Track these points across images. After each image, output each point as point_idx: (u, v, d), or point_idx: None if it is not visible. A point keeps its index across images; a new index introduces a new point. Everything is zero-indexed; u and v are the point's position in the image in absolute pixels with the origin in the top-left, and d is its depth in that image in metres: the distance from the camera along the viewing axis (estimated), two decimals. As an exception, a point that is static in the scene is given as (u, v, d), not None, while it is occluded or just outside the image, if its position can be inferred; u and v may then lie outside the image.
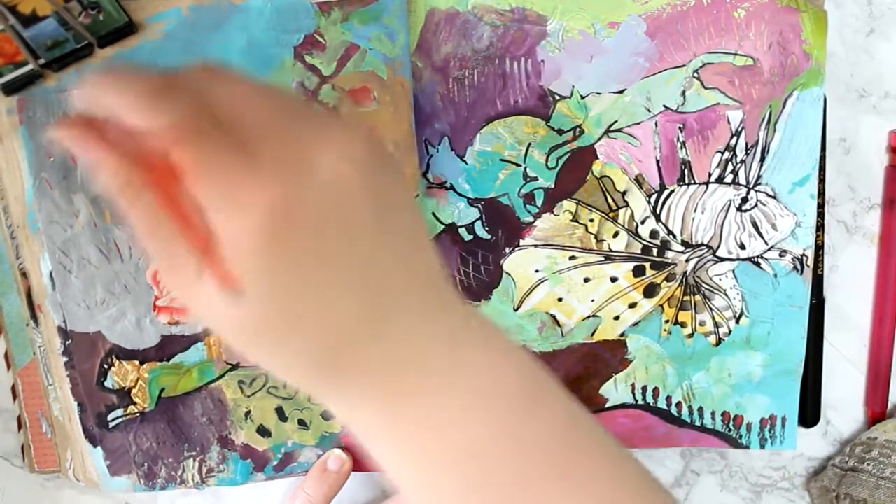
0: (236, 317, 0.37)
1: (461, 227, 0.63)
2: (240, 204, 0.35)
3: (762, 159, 0.62)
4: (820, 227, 0.64)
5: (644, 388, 0.65)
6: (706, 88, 0.61)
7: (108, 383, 0.63)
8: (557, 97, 0.61)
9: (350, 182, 0.37)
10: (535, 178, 0.62)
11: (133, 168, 0.37)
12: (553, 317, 0.64)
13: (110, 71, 0.37)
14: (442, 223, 0.63)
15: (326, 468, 0.65)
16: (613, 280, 0.63)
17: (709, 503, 0.69)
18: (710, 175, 0.62)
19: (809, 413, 0.67)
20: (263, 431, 0.64)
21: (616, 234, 0.63)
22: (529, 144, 0.62)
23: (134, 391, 0.63)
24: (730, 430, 0.66)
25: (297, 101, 0.41)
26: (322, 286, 0.37)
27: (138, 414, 0.63)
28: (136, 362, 0.62)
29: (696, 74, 0.61)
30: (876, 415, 0.68)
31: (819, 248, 0.64)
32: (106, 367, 0.62)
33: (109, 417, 0.63)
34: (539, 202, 0.62)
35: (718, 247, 0.63)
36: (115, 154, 0.37)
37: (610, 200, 0.62)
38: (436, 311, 0.40)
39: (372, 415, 0.40)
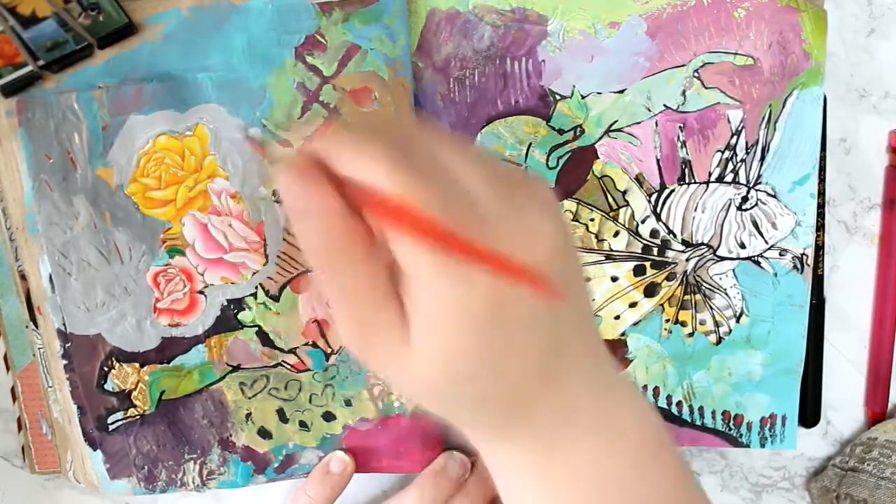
0: (431, 379, 0.38)
1: (462, 227, 0.63)
2: (466, 284, 0.36)
3: (762, 158, 0.62)
4: (820, 227, 0.64)
5: (644, 388, 0.65)
6: (706, 88, 0.61)
7: (108, 386, 0.63)
8: (558, 97, 0.61)
9: (560, 246, 0.38)
10: (536, 178, 0.62)
11: (351, 223, 0.37)
12: (554, 316, 0.64)
13: (354, 134, 0.38)
14: (443, 223, 0.63)
15: (329, 470, 0.65)
16: (614, 279, 0.63)
17: (709, 503, 0.69)
18: (710, 174, 0.62)
19: (809, 413, 0.67)
20: (264, 433, 0.64)
21: (616, 234, 0.63)
22: (530, 144, 0.62)
23: (134, 394, 0.63)
24: (730, 429, 0.66)
25: (510, 169, 0.43)
26: (516, 352, 0.38)
27: (138, 416, 0.63)
28: (137, 365, 0.62)
29: (696, 74, 0.61)
30: (876, 415, 0.68)
31: (819, 248, 0.64)
32: (106, 369, 0.62)
33: (109, 420, 0.63)
34: (540, 202, 0.63)
35: (719, 246, 0.63)
36: (341, 206, 0.37)
37: (610, 200, 0.62)
38: (594, 365, 0.43)
39: (527, 461, 0.42)
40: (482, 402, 0.40)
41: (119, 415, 0.63)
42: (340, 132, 0.38)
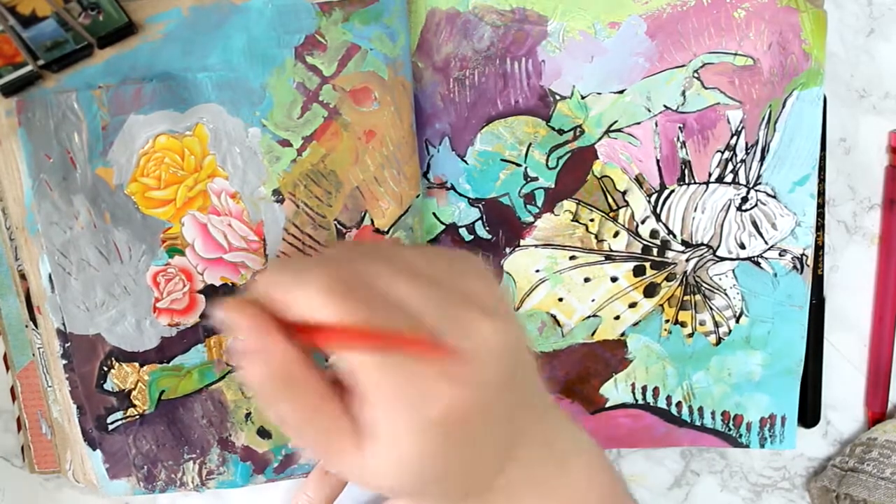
0: (390, 485, 0.41)
1: (462, 227, 0.63)
2: (426, 400, 0.38)
3: (762, 159, 0.62)
4: (820, 227, 0.64)
5: (644, 388, 0.65)
6: (706, 88, 0.61)
7: (107, 386, 0.62)
8: (558, 97, 0.61)
9: (506, 347, 0.40)
10: (536, 178, 0.62)
11: (296, 357, 0.40)
12: (553, 317, 0.64)
13: (286, 268, 0.41)
14: (442, 223, 0.63)
15: (328, 471, 0.65)
16: (614, 280, 0.63)
17: (709, 503, 0.69)
18: (710, 175, 0.62)
19: (809, 413, 0.67)
20: (264, 433, 0.64)
21: (616, 234, 0.63)
22: (530, 144, 0.62)
23: (134, 393, 0.63)
24: (730, 430, 0.66)
25: (436, 259, 0.44)
26: (478, 451, 0.41)
27: (138, 416, 0.63)
28: (136, 364, 0.62)
29: (696, 74, 0.61)
30: (876, 415, 0.68)
31: (819, 248, 0.64)
32: (105, 369, 0.62)
33: (109, 420, 0.63)
34: (539, 202, 0.63)
35: (718, 246, 0.63)
36: (285, 345, 0.40)
37: (610, 200, 0.62)
38: (549, 432, 0.45)
39: None
40: (441, 497, 0.43)
41: (118, 414, 0.63)
42: (273, 276, 0.40)
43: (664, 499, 0.69)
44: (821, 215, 0.64)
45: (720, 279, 0.63)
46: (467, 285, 0.41)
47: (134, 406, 0.63)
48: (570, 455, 0.46)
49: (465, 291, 0.41)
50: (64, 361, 0.62)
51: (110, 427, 0.63)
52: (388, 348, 0.38)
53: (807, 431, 0.68)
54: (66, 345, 0.62)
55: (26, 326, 0.63)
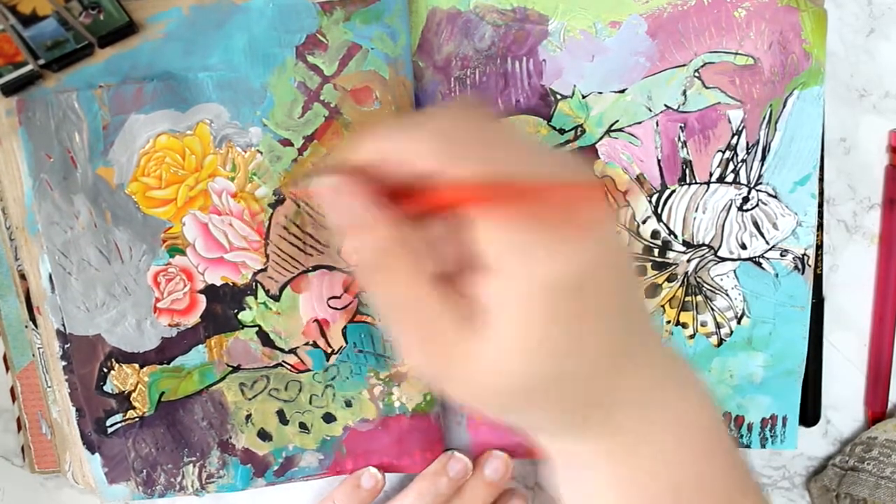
0: (508, 377, 0.37)
1: (463, 227, 0.63)
2: (536, 265, 0.36)
3: (763, 158, 0.62)
4: (820, 226, 0.64)
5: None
6: (707, 88, 0.61)
7: (107, 387, 0.62)
8: (559, 96, 0.62)
9: (614, 229, 0.39)
10: (537, 178, 0.62)
11: (400, 232, 0.37)
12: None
13: (394, 125, 0.38)
14: (444, 223, 0.63)
15: (360, 484, 0.64)
16: (616, 280, 0.63)
17: None
18: (711, 175, 0.62)
19: (809, 413, 0.67)
20: (264, 435, 0.64)
21: (617, 234, 0.63)
22: (531, 144, 0.62)
23: (133, 395, 0.63)
24: (731, 431, 0.66)
25: (560, 154, 0.43)
26: (592, 338, 0.38)
27: (137, 419, 0.63)
28: (136, 365, 0.62)
29: (696, 74, 0.61)
30: (876, 414, 0.68)
31: (819, 247, 0.64)
32: (105, 370, 0.62)
33: (108, 423, 0.63)
34: (541, 201, 0.62)
35: (720, 247, 0.63)
36: (387, 217, 0.37)
37: (611, 200, 0.62)
38: (657, 347, 0.43)
39: (608, 458, 0.42)
40: (561, 402, 0.39)
41: (118, 417, 0.63)
42: (382, 133, 0.37)
43: (665, 500, 0.69)
44: (820, 215, 0.64)
45: (721, 280, 0.63)
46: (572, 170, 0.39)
47: (134, 408, 0.63)
48: (680, 376, 0.43)
49: (571, 170, 0.39)
50: (63, 363, 0.62)
51: (109, 430, 0.63)
52: (517, 200, 0.35)
53: (807, 431, 0.68)
54: (66, 346, 0.61)
55: (26, 327, 0.63)
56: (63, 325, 0.61)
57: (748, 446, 0.66)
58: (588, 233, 0.36)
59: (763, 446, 0.66)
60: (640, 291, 0.41)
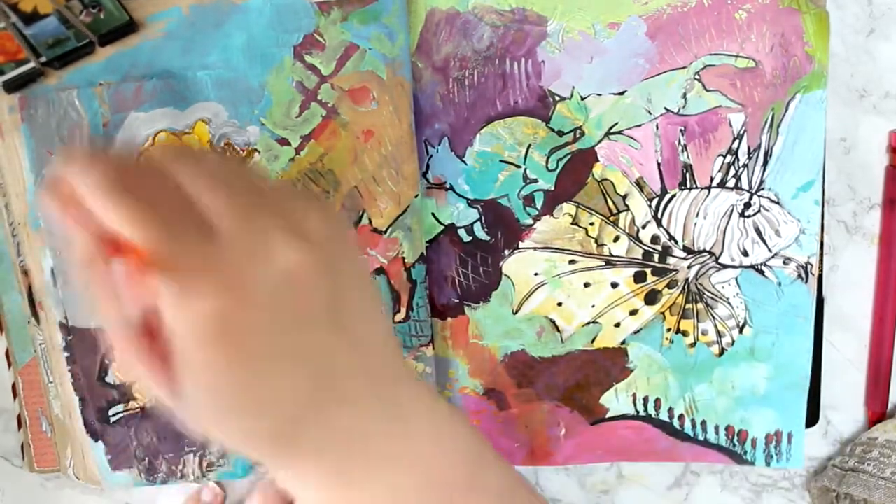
0: (200, 415, 0.38)
1: (460, 228, 0.63)
2: (191, 299, 0.36)
3: (765, 163, 0.61)
4: (820, 227, 0.63)
5: (645, 399, 0.65)
6: (707, 91, 0.61)
7: (109, 378, 0.63)
8: (557, 98, 0.61)
9: (302, 269, 0.38)
10: (535, 180, 0.62)
11: (98, 246, 0.37)
12: (552, 321, 0.64)
13: (77, 152, 0.38)
14: (441, 224, 0.63)
15: (200, 500, 0.67)
16: (614, 286, 0.63)
17: (709, 503, 0.69)
18: (711, 179, 0.62)
19: (809, 413, 0.67)
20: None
21: (617, 239, 0.62)
22: (529, 146, 0.62)
23: (135, 386, 0.63)
24: (734, 446, 0.65)
25: (258, 179, 0.41)
26: (271, 374, 0.38)
27: (139, 409, 0.64)
28: (137, 359, 0.63)
29: (697, 76, 0.60)
30: (876, 415, 0.68)
31: (819, 248, 0.64)
32: (107, 362, 0.63)
33: (111, 412, 0.64)
34: (539, 204, 0.62)
35: (721, 253, 0.62)
36: (85, 232, 0.37)
37: (610, 204, 0.62)
38: (385, 386, 0.42)
39: (320, 491, 0.41)
40: (241, 421, 0.39)
41: (120, 407, 0.64)
42: (68, 163, 0.37)
43: (664, 499, 0.69)
44: (821, 216, 0.64)
45: (723, 287, 0.63)
46: (282, 211, 0.39)
47: (135, 399, 0.64)
48: (410, 417, 0.42)
49: (279, 214, 0.39)
50: (66, 354, 0.63)
51: (112, 419, 0.64)
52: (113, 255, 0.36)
53: (807, 431, 0.67)
54: (69, 338, 0.62)
55: (28, 322, 0.63)
56: (65, 317, 0.62)
57: (752, 463, 0.66)
58: (209, 283, 0.36)
59: (768, 464, 0.65)
60: (356, 325, 0.40)
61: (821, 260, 0.64)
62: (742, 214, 0.62)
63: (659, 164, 0.62)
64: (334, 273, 0.39)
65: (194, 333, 0.36)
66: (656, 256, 0.63)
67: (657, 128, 0.61)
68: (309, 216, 0.39)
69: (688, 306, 0.63)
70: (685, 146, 0.61)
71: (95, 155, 0.38)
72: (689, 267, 0.63)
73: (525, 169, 0.62)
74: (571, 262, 0.63)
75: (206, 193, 0.38)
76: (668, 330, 0.64)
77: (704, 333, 0.64)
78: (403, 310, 0.62)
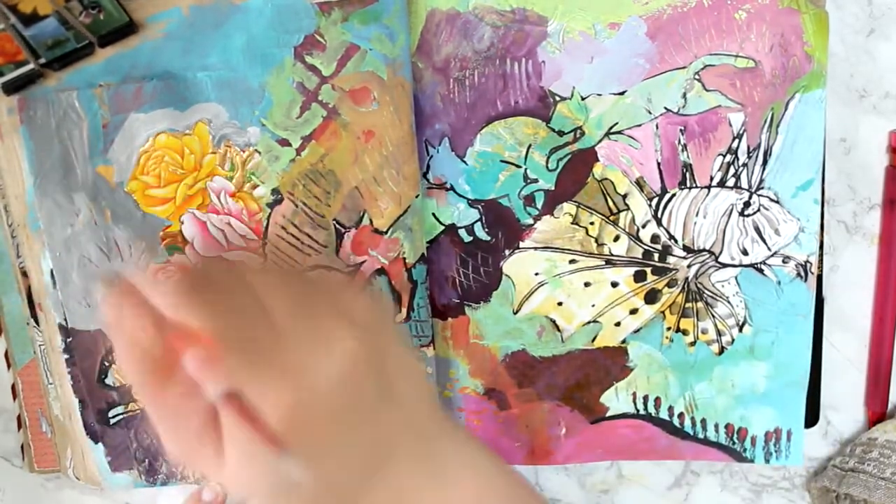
0: (260, 478, 0.41)
1: (461, 228, 0.63)
2: (268, 395, 0.39)
3: (764, 163, 0.61)
4: (820, 227, 0.63)
5: (645, 398, 0.65)
6: (707, 90, 0.61)
7: (108, 380, 0.63)
8: (558, 98, 0.61)
9: (357, 355, 0.41)
10: (536, 180, 0.62)
11: (160, 347, 0.40)
12: (553, 321, 0.64)
13: (141, 271, 0.43)
14: (442, 224, 0.63)
15: (201, 499, 0.66)
16: (614, 285, 0.63)
17: (709, 503, 0.69)
18: (711, 178, 0.62)
19: (809, 413, 0.67)
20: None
21: (617, 238, 0.62)
22: (530, 146, 0.62)
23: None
24: (734, 444, 0.65)
25: (314, 281, 0.47)
26: (334, 451, 0.42)
27: (139, 411, 0.64)
28: (137, 360, 0.63)
29: (697, 76, 0.61)
30: (876, 415, 0.68)
31: (819, 248, 0.64)
32: (106, 364, 0.63)
33: (110, 414, 0.64)
34: (539, 204, 0.62)
35: (721, 252, 0.63)
36: (149, 331, 0.40)
37: (611, 203, 0.62)
38: (430, 443, 0.46)
39: None
40: (306, 491, 0.42)
41: (120, 409, 0.64)
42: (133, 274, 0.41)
43: (664, 499, 0.69)
44: (821, 215, 0.64)
45: (722, 286, 0.63)
46: (334, 302, 0.44)
47: (135, 400, 0.64)
48: (452, 468, 0.47)
49: (331, 305, 0.43)
50: (66, 356, 0.63)
51: (112, 421, 0.64)
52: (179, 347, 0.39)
53: (807, 431, 0.67)
54: (68, 339, 0.62)
55: (27, 323, 0.63)
56: (65, 319, 0.62)
57: (751, 460, 0.66)
58: (282, 377, 0.40)
59: (767, 461, 0.65)
60: (402, 392, 0.45)
61: (821, 260, 0.64)
62: (742, 213, 0.62)
63: (659, 164, 0.62)
64: (382, 351, 0.44)
65: (277, 421, 0.39)
66: (656, 256, 0.63)
67: (657, 127, 0.61)
68: (357, 304, 0.44)
69: (688, 305, 0.63)
70: (685, 146, 0.61)
71: (166, 270, 0.42)
72: (688, 266, 0.63)
73: (525, 169, 0.62)
74: (572, 261, 0.63)
75: (269, 294, 0.42)
76: (668, 329, 0.64)
77: (704, 332, 0.64)
78: (404, 310, 0.62)
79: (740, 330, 0.64)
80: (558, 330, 0.64)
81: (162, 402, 0.40)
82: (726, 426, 0.65)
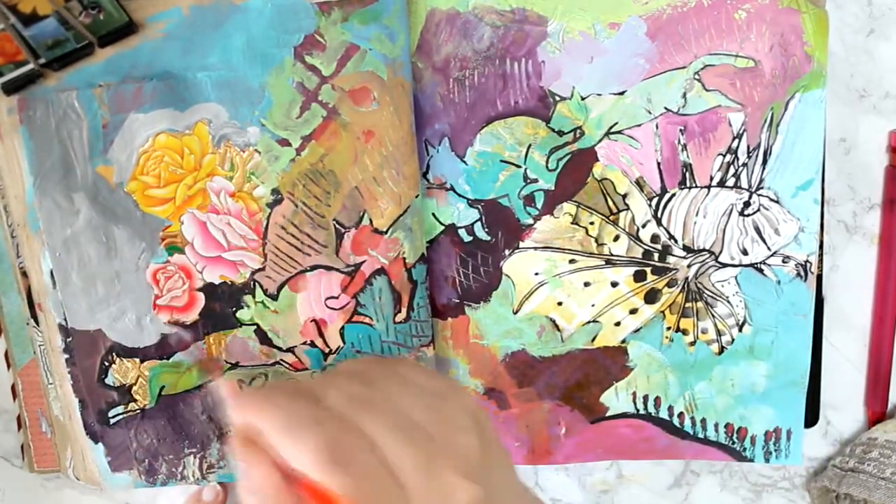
0: None
1: (461, 228, 0.63)
2: None
3: (764, 162, 0.61)
4: (820, 226, 0.63)
5: (645, 398, 0.65)
6: (707, 90, 0.61)
7: (108, 380, 0.63)
8: (558, 98, 0.61)
9: (476, 494, 0.44)
10: (536, 180, 0.62)
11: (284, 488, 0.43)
12: (553, 321, 0.64)
13: (253, 395, 0.45)
14: (442, 224, 0.63)
15: (201, 499, 0.67)
16: (614, 285, 0.63)
17: (709, 503, 0.69)
18: (711, 178, 0.62)
19: (809, 413, 0.67)
20: (263, 429, 0.64)
21: (617, 238, 0.62)
22: (530, 146, 0.62)
23: (134, 388, 0.63)
24: (733, 443, 0.65)
25: (425, 414, 0.47)
26: None
27: (139, 411, 0.64)
28: (137, 360, 0.63)
29: (696, 76, 0.61)
30: (876, 415, 0.68)
31: (819, 247, 0.64)
32: (106, 364, 0.63)
33: (110, 414, 0.64)
34: (539, 204, 0.62)
35: (720, 252, 0.63)
36: (276, 477, 0.43)
37: (610, 203, 0.62)
38: None
39: None
40: None
41: (120, 409, 0.64)
42: (268, 422, 0.43)
43: (664, 499, 0.69)
44: (821, 215, 0.64)
45: (722, 286, 0.63)
46: (454, 439, 0.46)
47: (135, 400, 0.64)
48: None
49: (447, 450, 0.45)
50: (66, 356, 0.63)
51: (112, 421, 0.64)
52: None
53: (807, 431, 0.67)
54: (68, 339, 0.62)
55: (27, 324, 0.63)
56: (65, 319, 0.62)
57: (751, 460, 0.66)
58: None
59: (767, 461, 0.66)
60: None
61: (820, 259, 0.64)
62: (741, 213, 0.62)
63: (659, 164, 0.62)
64: (491, 481, 0.46)
65: None
66: (656, 255, 0.63)
67: (657, 127, 0.61)
68: (470, 446, 0.46)
69: (687, 305, 0.63)
70: (685, 145, 0.61)
71: (272, 396, 0.44)
72: (688, 266, 0.63)
73: (525, 169, 0.62)
74: (571, 261, 0.63)
75: (390, 445, 0.44)
76: (668, 328, 0.64)
77: (704, 332, 0.64)
78: (404, 310, 0.62)
79: (740, 330, 0.64)
80: (558, 330, 0.64)
81: None
82: (726, 426, 0.65)
